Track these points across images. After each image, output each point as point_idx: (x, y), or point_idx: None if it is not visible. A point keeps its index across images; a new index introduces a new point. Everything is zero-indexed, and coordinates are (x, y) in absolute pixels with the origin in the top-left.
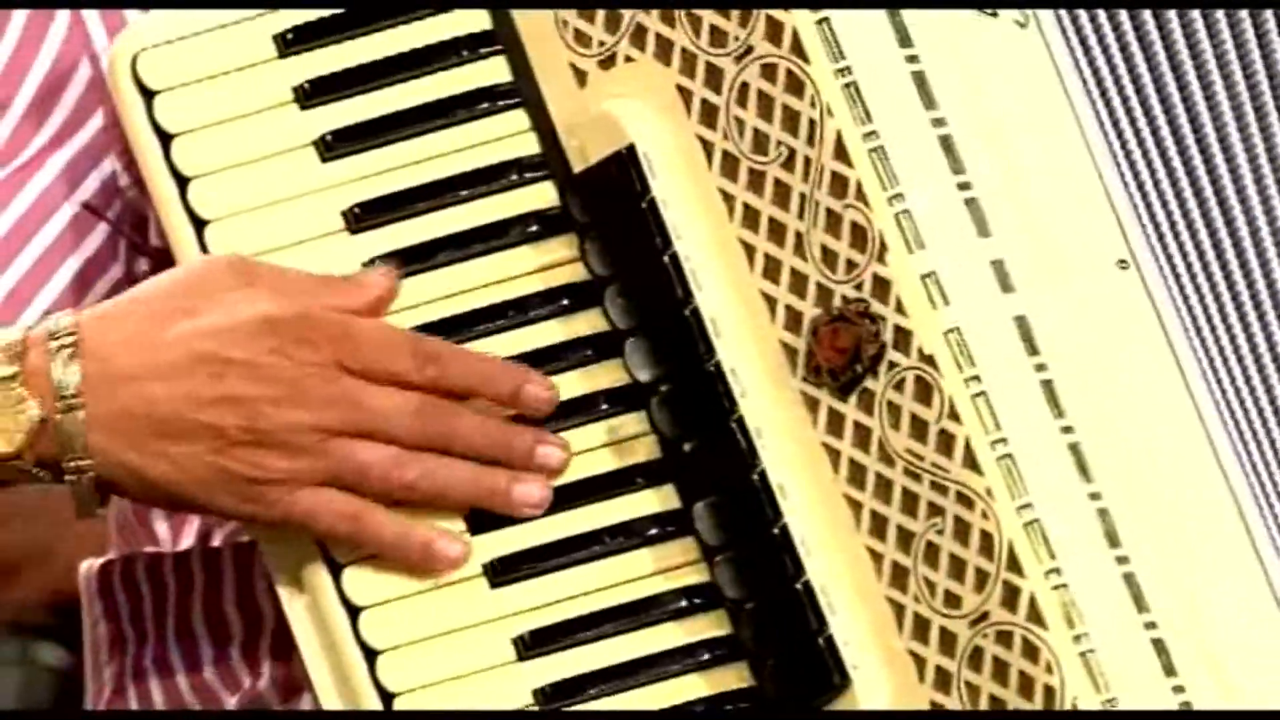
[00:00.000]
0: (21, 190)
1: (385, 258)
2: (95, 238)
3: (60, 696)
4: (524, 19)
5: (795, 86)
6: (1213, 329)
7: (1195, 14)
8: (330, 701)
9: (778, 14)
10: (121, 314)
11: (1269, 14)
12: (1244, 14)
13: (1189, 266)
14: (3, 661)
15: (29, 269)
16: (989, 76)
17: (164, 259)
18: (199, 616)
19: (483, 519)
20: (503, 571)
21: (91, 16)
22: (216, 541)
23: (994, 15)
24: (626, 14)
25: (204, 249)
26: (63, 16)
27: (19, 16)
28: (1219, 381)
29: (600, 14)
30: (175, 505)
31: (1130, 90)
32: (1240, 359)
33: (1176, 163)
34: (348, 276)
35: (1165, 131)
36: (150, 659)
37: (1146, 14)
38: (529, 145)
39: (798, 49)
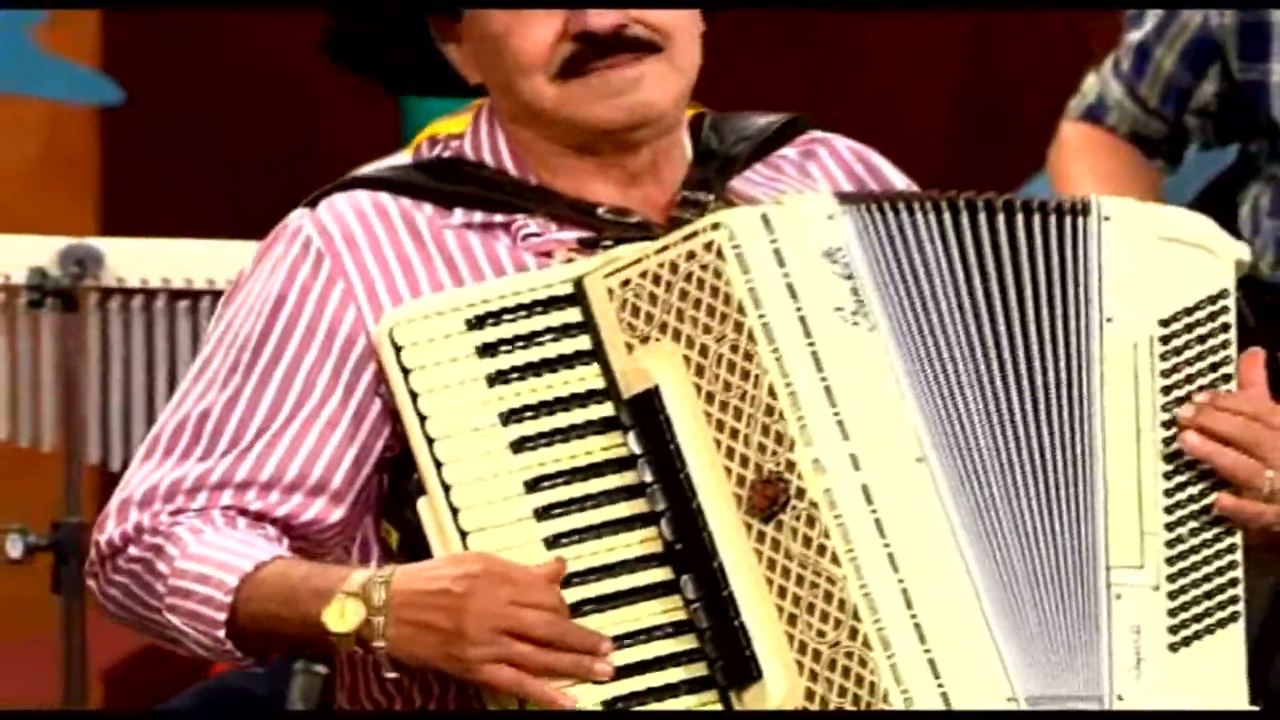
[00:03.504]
0: (335, 430)
1: (518, 441)
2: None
3: (324, 689)
4: (600, 315)
5: (749, 357)
6: (969, 490)
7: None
8: None
9: (742, 319)
10: (414, 573)
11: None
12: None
13: (961, 463)
14: (293, 672)
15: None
16: (853, 357)
17: (404, 446)
18: None
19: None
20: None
21: (366, 307)
22: None
23: (856, 325)
24: (657, 314)
25: (425, 432)
26: (352, 307)
27: (331, 304)
28: (975, 525)
29: (643, 314)
30: (424, 669)
31: (931, 368)
32: (988, 511)
33: (960, 407)
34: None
35: (955, 390)
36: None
37: (950, 325)
38: (599, 381)
39: (751, 339)
